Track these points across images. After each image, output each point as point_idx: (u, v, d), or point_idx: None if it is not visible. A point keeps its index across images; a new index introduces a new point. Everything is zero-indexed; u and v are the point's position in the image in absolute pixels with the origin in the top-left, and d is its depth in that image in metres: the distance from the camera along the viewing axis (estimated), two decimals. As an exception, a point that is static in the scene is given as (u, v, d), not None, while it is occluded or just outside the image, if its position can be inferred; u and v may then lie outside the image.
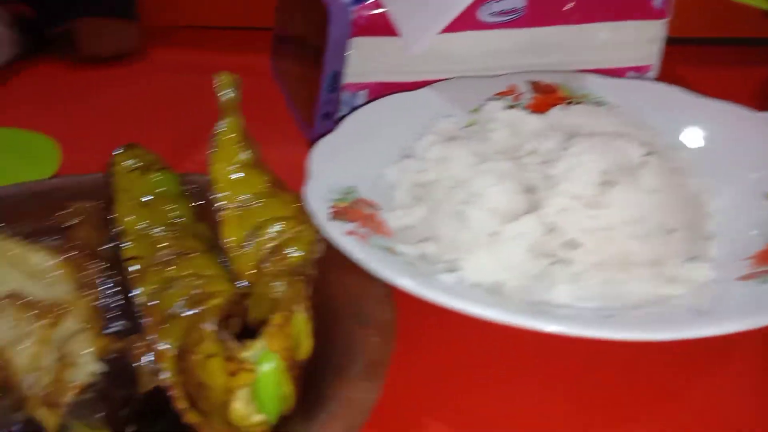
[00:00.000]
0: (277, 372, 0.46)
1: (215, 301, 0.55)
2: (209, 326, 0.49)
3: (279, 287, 0.55)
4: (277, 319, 0.49)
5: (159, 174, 0.72)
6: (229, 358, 0.46)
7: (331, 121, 1.09)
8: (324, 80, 1.06)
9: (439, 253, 0.70)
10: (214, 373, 0.46)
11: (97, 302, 0.66)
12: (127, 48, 1.35)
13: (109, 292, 0.66)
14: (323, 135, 1.08)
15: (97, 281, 0.68)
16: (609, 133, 0.77)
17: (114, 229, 0.70)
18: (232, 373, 0.45)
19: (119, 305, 0.65)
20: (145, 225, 0.69)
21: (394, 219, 0.76)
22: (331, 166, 0.80)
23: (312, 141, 0.99)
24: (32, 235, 0.75)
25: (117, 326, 0.63)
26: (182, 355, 0.52)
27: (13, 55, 1.27)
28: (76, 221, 0.73)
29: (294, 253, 0.59)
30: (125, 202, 0.70)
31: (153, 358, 0.57)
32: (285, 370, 0.47)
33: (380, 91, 1.04)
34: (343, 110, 1.07)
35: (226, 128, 0.72)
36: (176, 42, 1.42)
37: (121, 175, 0.72)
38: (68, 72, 1.29)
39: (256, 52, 1.14)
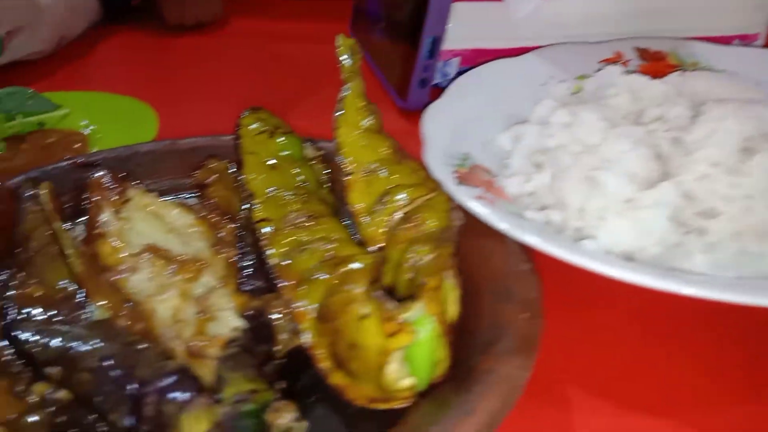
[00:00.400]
0: (434, 336, 0.46)
1: (355, 265, 0.55)
2: (362, 288, 0.49)
3: (418, 254, 0.55)
4: (432, 282, 0.48)
5: (284, 138, 0.73)
6: (387, 319, 0.46)
7: (426, 88, 1.08)
8: (422, 47, 1.04)
9: (565, 219, 0.68)
10: (369, 334, 0.47)
11: (233, 260, 0.67)
12: (209, 17, 1.37)
13: (242, 251, 0.67)
14: (420, 102, 1.08)
15: (233, 240, 0.70)
16: (742, 100, 0.73)
17: (243, 191, 0.72)
18: (390, 335, 0.45)
19: (252, 265, 0.66)
20: (273, 188, 0.69)
21: (512, 185, 0.75)
22: (444, 133, 0.79)
23: (405, 108, 0.99)
24: (168, 192, 0.77)
25: (251, 285, 0.64)
26: (325, 316, 0.53)
27: (92, 23, 1.31)
28: (211, 180, 0.74)
29: (430, 220, 0.59)
30: (253, 164, 0.71)
31: (291, 318, 0.58)
32: (441, 335, 0.47)
33: (474, 58, 1.02)
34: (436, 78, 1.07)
35: (351, 92, 0.72)
36: (256, 11, 1.43)
37: (248, 137, 0.72)
38: (154, 40, 1.32)
39: (334, 20, 1.14)
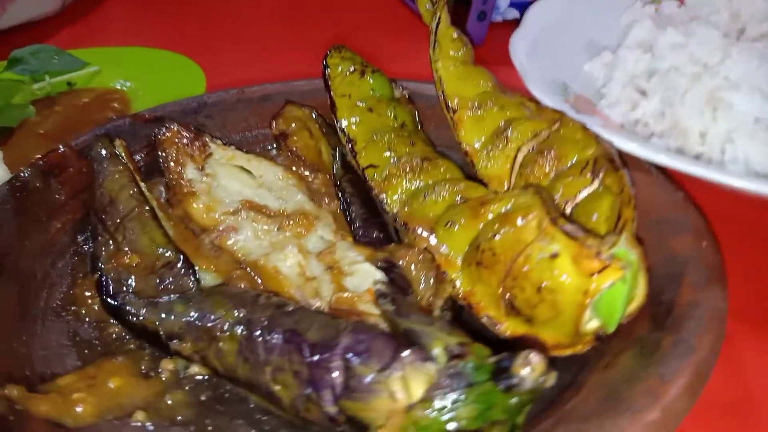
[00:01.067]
0: (637, 270, 0.41)
1: (496, 206, 0.50)
2: (547, 221, 0.43)
3: (575, 185, 0.50)
4: (627, 213, 0.43)
5: (374, 77, 0.66)
6: (584, 256, 0.40)
7: (486, 21, 1.02)
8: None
9: (684, 146, 0.63)
10: (567, 274, 0.41)
11: (339, 212, 0.61)
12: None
13: (344, 202, 0.61)
14: (479, 36, 1.02)
15: (331, 191, 0.64)
16: None
17: (335, 137, 0.65)
18: (595, 272, 0.40)
19: (359, 215, 0.60)
20: (374, 131, 0.63)
21: (616, 114, 0.70)
22: (536, 63, 0.73)
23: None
24: (244, 144, 0.70)
25: (366, 237, 0.58)
26: (485, 261, 0.47)
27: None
28: (292, 129, 0.68)
29: (572, 152, 0.53)
30: (347, 107, 0.65)
31: (425, 267, 0.53)
32: (643, 269, 0.42)
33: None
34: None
35: (442, 23, 0.66)
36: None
37: (339, 78, 0.66)
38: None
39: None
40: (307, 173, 0.67)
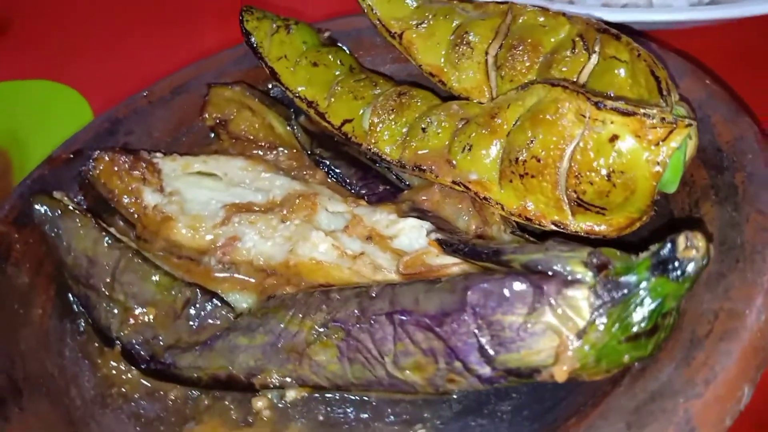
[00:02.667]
0: (695, 127, 0.42)
1: (510, 113, 0.48)
2: (592, 105, 0.42)
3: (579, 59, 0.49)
4: (660, 72, 0.43)
5: (299, 28, 0.61)
6: (651, 126, 0.40)
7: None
8: None
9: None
10: (632, 151, 0.41)
11: (329, 180, 0.57)
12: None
13: (326, 168, 0.57)
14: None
15: (306, 162, 0.59)
16: None
17: (296, 103, 0.59)
18: (660, 140, 0.40)
19: (351, 175, 0.57)
20: (327, 85, 0.58)
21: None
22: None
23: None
24: (181, 148, 0.62)
25: (375, 193, 0.55)
26: (532, 168, 0.45)
27: None
28: (227, 113, 0.61)
29: (546, 40, 0.52)
30: (289, 71, 0.59)
31: (459, 201, 0.51)
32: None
33: None
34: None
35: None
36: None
37: (267, 42, 0.59)
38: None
39: None
40: (269, 155, 0.62)
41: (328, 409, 0.43)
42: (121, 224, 0.57)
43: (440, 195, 0.52)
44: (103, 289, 0.49)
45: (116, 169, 0.57)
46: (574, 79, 0.50)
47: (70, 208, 0.52)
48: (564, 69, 0.51)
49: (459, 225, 0.50)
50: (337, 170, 0.57)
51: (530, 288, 0.35)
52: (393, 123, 0.55)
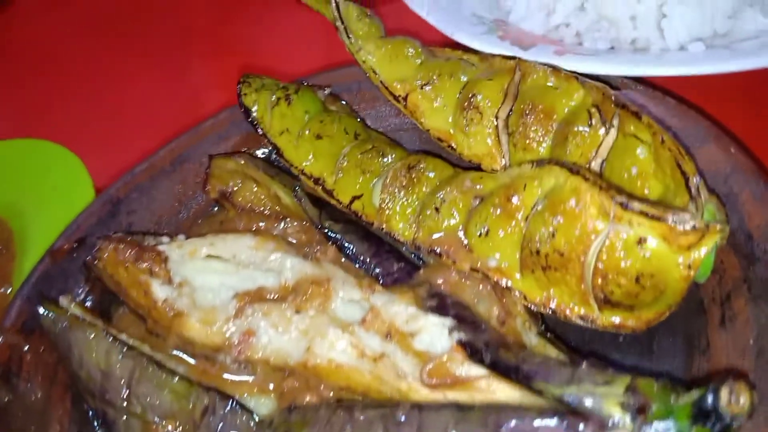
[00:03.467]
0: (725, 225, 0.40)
1: (527, 196, 0.46)
2: (631, 207, 0.40)
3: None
4: (688, 166, 0.41)
5: (300, 96, 0.58)
6: (682, 233, 0.38)
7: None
8: None
9: (618, 37, 0.62)
10: (664, 255, 0.39)
11: (342, 260, 0.55)
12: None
13: (338, 244, 0.55)
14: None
15: (318, 237, 0.57)
16: None
17: (302, 180, 0.57)
18: (692, 244, 0.38)
19: (365, 252, 0.55)
20: (333, 159, 0.56)
21: (536, 25, 0.66)
22: (440, 6, 0.67)
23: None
24: (185, 225, 0.60)
25: (391, 275, 0.53)
26: (554, 263, 0.44)
27: None
28: (231, 186, 0.59)
29: (559, 107, 0.50)
30: (292, 146, 0.57)
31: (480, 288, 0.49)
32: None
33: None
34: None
35: (343, 4, 0.58)
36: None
37: (267, 117, 0.57)
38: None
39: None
40: (278, 226, 0.60)
41: None
42: (130, 316, 0.55)
43: (458, 277, 0.50)
44: (120, 404, 0.48)
45: (121, 259, 0.55)
46: (593, 154, 0.48)
47: (78, 317, 0.50)
48: (580, 143, 0.48)
49: (480, 310, 0.49)
50: (349, 246, 0.55)
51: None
52: (404, 200, 0.53)
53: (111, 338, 0.49)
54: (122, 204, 0.61)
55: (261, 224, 0.61)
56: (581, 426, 0.34)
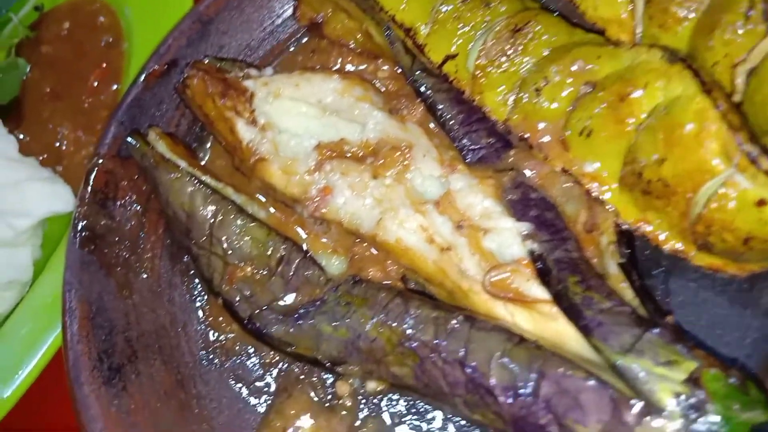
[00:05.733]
0: None
1: (645, 103, 0.38)
2: (759, 164, 0.33)
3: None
4: None
5: None
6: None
7: None
8: None
9: None
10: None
11: (432, 127, 0.51)
12: None
13: (434, 105, 0.50)
14: None
15: (411, 91, 0.52)
16: None
17: (393, 30, 0.51)
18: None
19: (454, 118, 0.50)
20: (429, 6, 0.49)
21: None
22: None
23: None
24: (273, 52, 0.57)
25: (479, 149, 0.49)
26: (658, 191, 0.38)
27: None
28: (321, 15, 0.54)
29: None
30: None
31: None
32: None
33: None
34: None
35: None
36: None
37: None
38: None
39: None
40: (365, 66, 0.55)
41: (401, 408, 0.45)
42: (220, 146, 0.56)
43: (550, 168, 0.45)
44: (203, 243, 0.51)
45: (209, 92, 0.54)
46: (743, 57, 0.38)
47: (164, 157, 0.51)
48: (730, 37, 0.38)
49: (566, 211, 0.45)
50: (439, 106, 0.50)
51: (610, 406, 0.33)
52: (503, 70, 0.46)
53: (195, 181, 0.51)
54: (213, 24, 0.58)
55: (350, 61, 0.56)
56: (625, 407, 0.32)
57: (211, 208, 0.51)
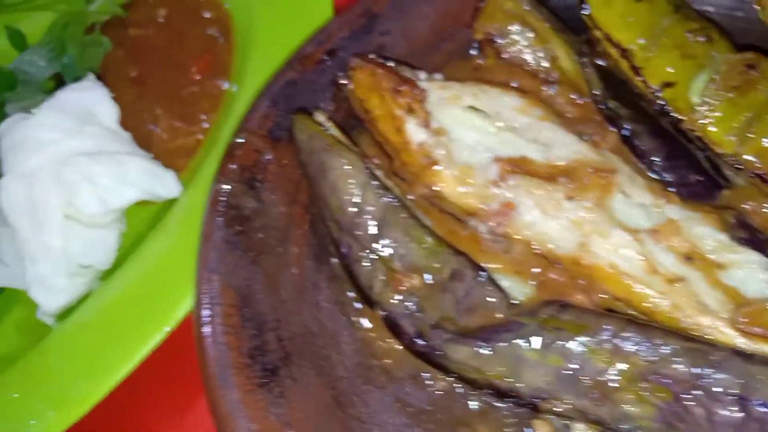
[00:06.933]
0: None
1: None
2: None
3: None
4: None
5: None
6: None
7: None
8: None
9: None
10: None
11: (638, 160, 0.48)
12: None
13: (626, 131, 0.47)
14: None
15: (600, 119, 0.49)
16: None
17: (602, 44, 0.48)
18: None
19: (657, 149, 0.47)
20: (647, 28, 0.47)
21: None
22: None
23: None
24: (439, 61, 0.53)
25: (687, 187, 0.45)
26: None
27: None
28: (500, 28, 0.51)
29: None
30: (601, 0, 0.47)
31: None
32: None
33: None
34: None
35: None
36: None
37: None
38: None
39: None
40: (546, 90, 0.52)
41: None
42: (374, 149, 0.50)
43: (775, 211, 0.43)
44: (369, 243, 0.44)
45: (377, 86, 0.49)
46: None
47: (339, 140, 0.45)
48: None
49: None
50: (636, 139, 0.48)
51: None
52: (733, 104, 0.44)
53: (370, 173, 0.45)
54: (378, 20, 0.54)
55: (525, 83, 0.53)
56: None
57: (382, 204, 0.44)
